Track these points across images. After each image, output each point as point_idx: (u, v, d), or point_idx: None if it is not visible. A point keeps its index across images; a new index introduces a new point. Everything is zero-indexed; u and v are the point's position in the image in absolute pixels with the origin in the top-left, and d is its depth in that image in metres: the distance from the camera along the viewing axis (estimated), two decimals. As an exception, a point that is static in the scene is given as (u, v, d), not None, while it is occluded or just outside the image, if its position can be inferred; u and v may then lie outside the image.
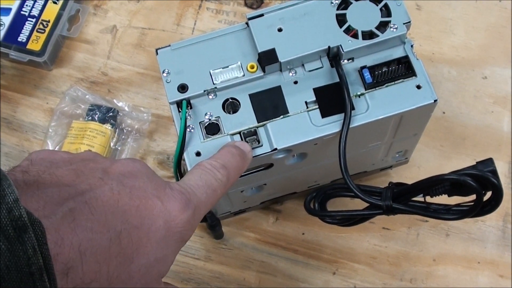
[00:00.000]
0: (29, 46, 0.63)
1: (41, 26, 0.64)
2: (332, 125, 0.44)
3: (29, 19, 0.65)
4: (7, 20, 0.65)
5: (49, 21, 0.65)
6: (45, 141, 0.61)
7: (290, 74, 0.46)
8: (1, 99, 0.64)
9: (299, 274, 0.57)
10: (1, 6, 0.65)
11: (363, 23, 0.45)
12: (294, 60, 0.45)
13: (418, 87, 0.45)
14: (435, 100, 0.45)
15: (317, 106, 0.45)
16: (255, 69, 0.46)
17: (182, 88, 0.45)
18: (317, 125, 0.44)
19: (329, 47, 0.45)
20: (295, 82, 0.46)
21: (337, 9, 0.46)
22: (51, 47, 0.64)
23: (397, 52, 0.46)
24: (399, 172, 0.59)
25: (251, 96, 0.45)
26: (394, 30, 0.45)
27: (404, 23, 0.45)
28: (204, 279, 0.57)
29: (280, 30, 0.46)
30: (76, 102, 0.62)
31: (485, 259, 0.57)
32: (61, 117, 0.61)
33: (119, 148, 0.61)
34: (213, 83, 0.45)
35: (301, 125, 0.44)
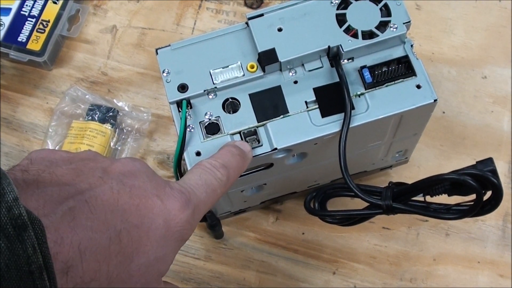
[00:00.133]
0: (29, 46, 0.63)
1: (41, 26, 0.64)
2: (332, 124, 0.44)
3: (29, 19, 0.65)
4: (7, 20, 0.65)
5: (49, 21, 0.65)
6: (45, 141, 0.61)
7: (290, 74, 0.46)
8: (1, 99, 0.64)
9: (299, 273, 0.57)
10: (1, 6, 0.65)
11: (363, 23, 0.45)
12: (294, 60, 0.45)
13: (418, 86, 0.45)
14: (435, 100, 0.45)
15: (317, 106, 0.45)
16: (255, 69, 0.46)
17: (182, 88, 0.45)
18: (317, 124, 0.44)
19: (329, 47, 0.45)
20: (295, 82, 0.46)
21: (337, 9, 0.46)
22: (51, 47, 0.64)
23: (397, 52, 0.46)
24: (399, 171, 0.59)
25: (251, 96, 0.45)
26: (394, 29, 0.45)
27: (404, 23, 0.45)
28: (204, 279, 0.57)
29: (280, 30, 0.46)
30: (76, 102, 0.62)
31: (485, 258, 0.57)
32: (61, 117, 0.61)
33: (119, 148, 0.61)
34: (213, 83, 0.45)
35: (301, 124, 0.44)
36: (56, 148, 0.60)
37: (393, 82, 0.45)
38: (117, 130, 0.61)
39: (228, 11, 0.67)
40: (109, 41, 0.66)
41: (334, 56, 0.46)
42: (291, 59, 0.45)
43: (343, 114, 0.44)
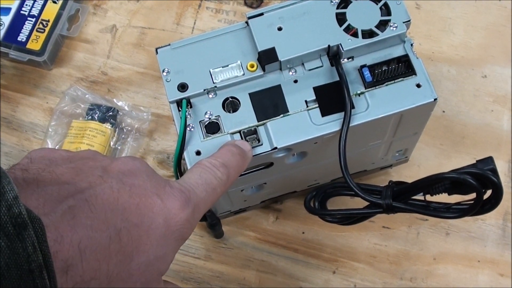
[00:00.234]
0: (29, 46, 0.63)
1: (40, 26, 0.64)
2: (332, 124, 0.44)
3: (29, 18, 0.65)
4: (7, 19, 0.65)
5: (48, 21, 0.65)
6: (45, 141, 0.61)
7: (290, 73, 0.46)
8: (1, 99, 0.64)
9: (299, 273, 0.57)
10: (1, 5, 0.65)
11: (363, 22, 0.45)
12: (294, 59, 0.45)
13: (418, 85, 0.45)
14: (435, 99, 0.45)
15: (317, 105, 0.45)
16: (255, 68, 0.46)
17: (182, 87, 0.45)
18: (317, 124, 0.44)
19: (329, 46, 0.45)
20: (295, 81, 0.46)
21: (337, 8, 0.46)
22: (51, 46, 0.64)
23: (397, 51, 0.46)
24: (399, 170, 0.59)
25: (251, 95, 0.45)
26: (394, 29, 0.45)
27: (403, 22, 0.45)
28: (204, 278, 0.57)
29: (280, 29, 0.46)
30: (76, 102, 0.62)
31: (485, 257, 0.57)
32: (61, 117, 0.61)
33: (119, 147, 0.61)
34: (213, 82, 0.45)
35: (301, 124, 0.44)
36: (56, 148, 0.60)
37: (393, 81, 0.45)
38: (117, 129, 0.61)
39: (228, 11, 0.67)
40: (109, 41, 0.66)
41: (334, 55, 0.46)
42: (291, 58, 0.45)
43: (343, 113, 0.44)
